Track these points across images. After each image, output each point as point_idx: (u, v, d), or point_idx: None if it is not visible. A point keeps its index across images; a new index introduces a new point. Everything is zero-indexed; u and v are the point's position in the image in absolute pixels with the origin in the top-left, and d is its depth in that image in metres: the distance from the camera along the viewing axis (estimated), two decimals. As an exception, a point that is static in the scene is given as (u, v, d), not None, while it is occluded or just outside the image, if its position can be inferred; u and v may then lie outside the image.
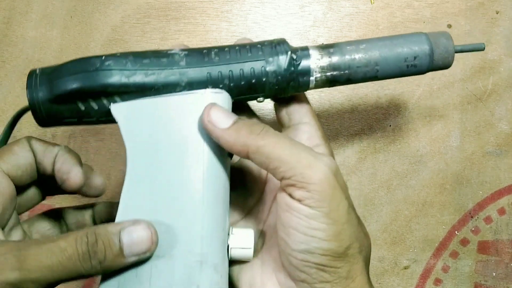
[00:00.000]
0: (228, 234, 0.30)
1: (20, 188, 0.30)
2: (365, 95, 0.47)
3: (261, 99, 0.32)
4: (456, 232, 0.46)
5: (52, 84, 0.29)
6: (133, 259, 0.26)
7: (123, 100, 0.29)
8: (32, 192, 0.32)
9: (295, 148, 0.27)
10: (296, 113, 0.32)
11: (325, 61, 0.31)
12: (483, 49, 0.35)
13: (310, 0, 0.48)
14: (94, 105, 0.30)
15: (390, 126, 0.46)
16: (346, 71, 0.31)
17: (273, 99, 0.34)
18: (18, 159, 0.29)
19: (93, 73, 0.29)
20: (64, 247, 0.24)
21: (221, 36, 0.47)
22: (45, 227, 0.32)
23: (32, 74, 0.30)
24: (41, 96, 0.29)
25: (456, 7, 0.48)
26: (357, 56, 0.31)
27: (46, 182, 0.31)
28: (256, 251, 0.31)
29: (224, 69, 0.30)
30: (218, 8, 0.47)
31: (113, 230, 0.25)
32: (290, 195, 0.27)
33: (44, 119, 0.30)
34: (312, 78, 0.31)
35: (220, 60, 0.30)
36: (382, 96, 0.47)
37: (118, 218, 0.28)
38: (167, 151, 0.29)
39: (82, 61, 0.29)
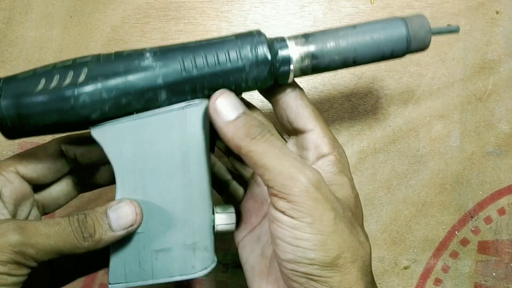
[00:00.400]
0: (214, 217, 0.32)
1: (43, 186, 0.33)
2: (365, 95, 0.47)
3: (239, 96, 0.32)
4: (456, 232, 0.46)
5: (20, 114, 0.27)
6: (122, 232, 0.29)
7: (103, 124, 0.29)
8: (62, 189, 0.34)
9: (281, 158, 0.27)
10: (299, 120, 0.32)
11: (304, 51, 0.30)
12: (457, 31, 0.35)
13: (310, 0, 0.48)
14: (72, 131, 0.30)
15: (390, 126, 0.46)
16: (325, 60, 0.31)
17: (263, 94, 0.33)
18: (36, 162, 0.31)
19: (68, 111, 0.28)
20: (59, 221, 0.27)
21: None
22: None
23: None
24: (7, 112, 0.27)
25: (456, 7, 0.48)
26: (335, 45, 0.31)
27: (80, 177, 0.34)
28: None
29: (203, 81, 0.29)
30: (218, 8, 0.47)
31: (100, 210, 0.29)
32: (274, 206, 0.27)
33: (10, 133, 0.28)
34: (290, 69, 0.30)
35: (198, 72, 0.29)
36: (382, 96, 0.47)
37: None
38: (153, 166, 0.30)
39: (54, 96, 0.27)
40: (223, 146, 0.36)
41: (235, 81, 0.29)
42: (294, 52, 0.30)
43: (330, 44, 0.31)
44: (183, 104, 0.29)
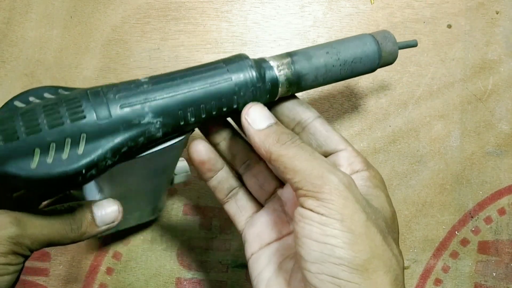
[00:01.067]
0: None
1: None
2: (365, 95, 0.47)
3: None
4: (456, 232, 0.46)
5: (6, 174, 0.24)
6: (104, 228, 0.31)
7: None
8: None
9: (311, 160, 0.27)
10: (329, 142, 0.32)
11: (286, 72, 0.31)
12: (415, 46, 0.38)
13: (310, 0, 0.48)
14: None
15: (390, 126, 0.46)
16: (309, 76, 0.31)
17: None
18: None
19: (75, 185, 0.25)
20: (51, 213, 0.29)
21: (221, 36, 0.47)
22: None
23: None
24: None
25: (456, 7, 0.48)
26: (318, 65, 0.31)
27: None
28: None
29: (197, 121, 0.28)
30: (218, 8, 0.47)
31: (87, 205, 0.31)
32: (302, 205, 0.26)
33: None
34: (279, 89, 0.31)
35: (196, 120, 0.28)
36: (382, 96, 0.47)
37: None
38: (134, 191, 0.35)
39: (59, 177, 0.24)
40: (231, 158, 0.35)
41: (228, 112, 0.29)
42: (280, 73, 0.30)
43: (314, 65, 0.31)
44: (174, 142, 0.29)
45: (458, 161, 0.46)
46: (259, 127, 0.29)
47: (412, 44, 0.37)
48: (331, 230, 0.25)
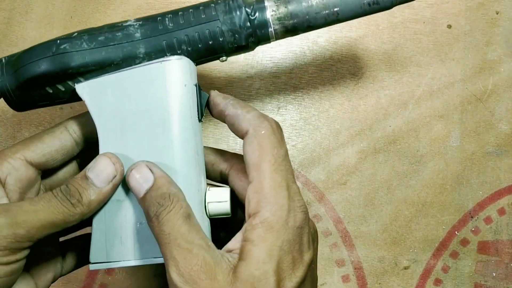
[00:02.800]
0: (205, 193, 0.31)
1: (50, 170, 0.32)
2: (365, 95, 0.47)
3: (224, 58, 0.32)
4: (456, 232, 0.46)
5: (16, 73, 0.30)
6: (108, 186, 0.28)
7: (86, 79, 0.30)
8: (68, 171, 0.33)
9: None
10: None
11: (282, 11, 0.31)
12: None
13: None
14: (61, 87, 0.31)
15: (390, 126, 0.47)
16: (306, 17, 0.31)
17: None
18: (44, 147, 0.30)
19: (51, 58, 0.29)
20: (43, 196, 0.27)
21: (221, 36, 0.47)
22: None
23: None
24: (9, 84, 0.30)
25: (456, 7, 0.48)
26: (314, 2, 0.31)
27: (85, 159, 0.33)
28: None
29: (179, 35, 0.30)
30: (218, 8, 0.47)
31: (79, 175, 0.28)
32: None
33: (17, 104, 0.31)
34: (271, 30, 0.31)
35: (175, 26, 0.30)
36: (382, 96, 0.47)
37: None
38: (135, 123, 0.30)
39: (39, 47, 0.30)
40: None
41: (211, 34, 0.30)
42: (270, 7, 0.31)
43: (310, 3, 0.31)
44: (161, 59, 0.30)
45: (458, 161, 0.46)
46: (140, 194, 0.28)
47: None
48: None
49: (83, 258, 0.34)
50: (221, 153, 0.33)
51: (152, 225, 0.27)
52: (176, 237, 0.26)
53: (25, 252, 0.26)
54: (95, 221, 0.30)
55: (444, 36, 0.48)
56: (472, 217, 0.46)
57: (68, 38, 0.30)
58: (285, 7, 0.31)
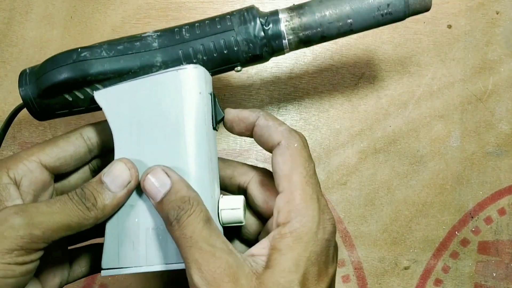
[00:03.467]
0: (218, 201, 0.31)
1: (64, 175, 0.33)
2: (365, 95, 0.47)
3: (238, 68, 0.32)
4: (456, 232, 0.45)
5: (38, 81, 0.31)
6: (123, 192, 0.29)
7: (105, 86, 0.31)
8: (80, 177, 0.34)
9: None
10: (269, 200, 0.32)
11: (295, 22, 0.31)
12: None
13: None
14: (80, 95, 0.32)
15: (390, 126, 0.46)
16: (319, 29, 0.32)
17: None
18: (59, 151, 0.31)
19: (71, 65, 0.31)
20: (59, 198, 0.27)
21: (221, 36, 0.47)
22: None
23: (22, 74, 0.32)
24: (32, 92, 0.31)
25: (456, 7, 0.48)
26: (328, 12, 0.31)
27: (98, 165, 0.35)
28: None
29: (195, 45, 0.31)
30: (218, 8, 0.47)
31: (94, 179, 0.29)
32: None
33: (38, 113, 0.32)
34: (285, 41, 0.32)
35: (191, 36, 0.31)
36: (382, 96, 0.47)
37: None
38: (150, 129, 0.30)
39: (61, 56, 0.31)
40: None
41: (226, 44, 0.31)
42: (284, 19, 0.31)
43: (324, 14, 0.31)
44: (176, 67, 0.30)
45: (458, 161, 0.46)
46: (157, 198, 0.28)
47: None
48: None
49: (89, 267, 0.34)
50: (239, 166, 0.34)
51: (172, 229, 0.27)
52: (197, 240, 0.26)
53: (39, 254, 0.26)
54: (108, 226, 0.30)
55: (444, 36, 0.48)
56: (472, 217, 0.46)
57: (88, 47, 0.31)
58: (299, 18, 0.31)
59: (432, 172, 0.46)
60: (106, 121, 0.31)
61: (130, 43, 0.31)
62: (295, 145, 0.28)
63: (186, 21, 0.47)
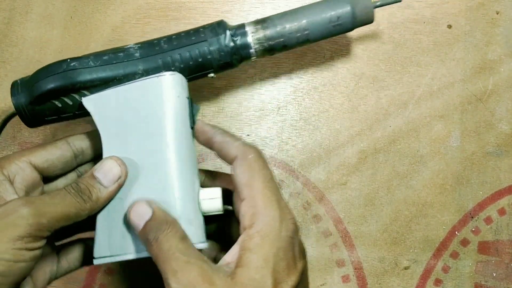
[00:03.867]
0: (198, 192, 0.33)
1: (51, 178, 0.35)
2: (365, 95, 0.47)
3: (212, 75, 0.37)
4: (456, 232, 0.46)
5: (30, 89, 0.34)
6: (114, 186, 0.32)
7: (92, 92, 0.34)
8: (67, 182, 0.37)
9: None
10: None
11: (260, 34, 0.36)
12: (400, 0, 0.40)
13: (311, 1, 0.48)
14: (68, 101, 0.34)
15: (390, 126, 0.46)
16: (281, 39, 0.37)
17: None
18: (47, 154, 0.34)
19: (61, 74, 0.34)
20: (58, 192, 0.30)
21: (221, 36, 0.47)
22: None
23: (14, 85, 0.35)
24: (23, 101, 0.34)
25: (456, 7, 0.48)
26: (288, 26, 0.36)
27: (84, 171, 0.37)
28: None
29: (173, 54, 0.35)
30: (218, 8, 0.47)
31: (87, 174, 0.32)
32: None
33: (30, 120, 0.35)
34: (252, 50, 0.36)
35: (169, 47, 0.35)
36: (382, 97, 0.47)
37: None
38: (135, 130, 0.33)
39: (52, 66, 0.34)
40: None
41: (200, 53, 0.35)
42: (250, 31, 0.36)
43: (284, 26, 0.37)
44: (157, 74, 0.34)
45: (458, 161, 0.46)
46: (139, 226, 0.30)
47: (396, 0, 0.40)
48: None
49: (76, 262, 0.36)
50: (214, 174, 0.37)
51: (151, 248, 0.29)
52: (174, 252, 0.28)
53: (44, 241, 0.29)
54: (99, 218, 0.33)
55: (444, 36, 0.48)
56: (472, 217, 0.46)
57: (77, 58, 0.34)
58: (263, 30, 0.36)
59: (432, 172, 0.46)
60: (92, 131, 0.34)
61: (114, 54, 0.35)
62: (250, 156, 0.31)
63: (186, 21, 0.48)
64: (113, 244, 0.32)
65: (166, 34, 0.46)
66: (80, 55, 0.34)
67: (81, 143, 0.36)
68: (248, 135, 0.46)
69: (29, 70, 0.45)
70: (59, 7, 0.47)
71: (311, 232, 0.45)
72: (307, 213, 0.45)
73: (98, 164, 0.32)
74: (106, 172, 0.32)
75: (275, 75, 0.47)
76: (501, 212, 0.46)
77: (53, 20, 0.47)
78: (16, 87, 0.35)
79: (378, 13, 0.48)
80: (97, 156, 0.36)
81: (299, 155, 0.46)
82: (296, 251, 0.30)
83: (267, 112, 0.46)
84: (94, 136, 0.35)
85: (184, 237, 0.29)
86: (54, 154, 0.34)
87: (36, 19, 0.47)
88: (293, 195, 0.45)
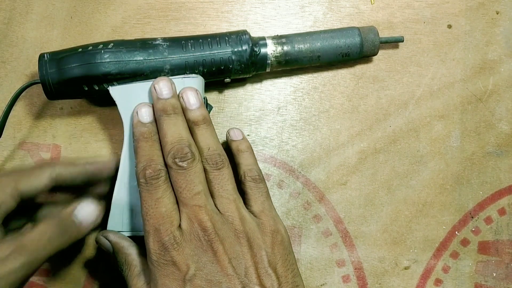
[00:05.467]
0: None
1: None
2: (365, 95, 0.47)
3: (228, 79, 0.42)
4: (456, 232, 0.46)
5: (61, 70, 0.37)
6: (91, 226, 0.36)
7: (119, 83, 0.39)
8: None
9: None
10: None
11: (279, 50, 0.41)
12: (402, 41, 0.45)
13: (311, 1, 0.48)
14: (96, 87, 0.38)
15: (390, 126, 0.46)
16: (295, 57, 0.42)
17: None
18: (30, 184, 0.35)
19: (95, 65, 0.37)
20: (44, 230, 0.33)
21: (221, 36, 0.47)
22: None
23: (42, 58, 0.38)
24: (51, 78, 0.38)
25: (456, 7, 0.48)
26: (303, 46, 0.42)
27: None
28: None
29: (199, 58, 0.39)
30: (218, 8, 0.47)
31: (67, 213, 0.35)
32: None
33: (53, 94, 0.38)
34: (268, 62, 0.41)
35: (196, 51, 0.39)
36: (382, 96, 0.47)
37: (118, 180, 0.38)
38: None
39: (87, 54, 0.38)
40: None
41: (223, 61, 0.39)
42: (271, 46, 0.41)
43: (301, 46, 0.42)
44: (182, 75, 0.39)
45: (458, 161, 0.46)
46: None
47: (399, 40, 0.45)
48: None
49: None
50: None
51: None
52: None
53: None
54: (115, 198, 0.38)
55: (444, 36, 0.48)
56: (472, 217, 0.46)
57: (111, 50, 0.38)
58: (281, 47, 0.41)
59: (432, 172, 0.46)
60: (75, 159, 0.39)
61: (144, 50, 0.38)
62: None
63: (186, 21, 0.48)
64: (125, 222, 0.38)
65: (166, 34, 0.47)
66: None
67: (64, 171, 0.37)
68: (248, 135, 0.46)
69: (29, 70, 0.46)
70: (59, 7, 0.47)
71: (311, 232, 0.45)
72: (307, 213, 0.45)
73: (78, 205, 0.35)
74: (85, 215, 0.35)
75: (275, 75, 0.47)
76: (501, 212, 0.46)
77: (53, 20, 0.47)
78: (44, 62, 0.38)
79: (378, 13, 0.48)
80: (75, 187, 0.38)
81: (299, 155, 0.46)
82: None
83: (267, 112, 0.46)
84: (77, 166, 0.37)
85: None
86: (38, 185, 0.35)
87: (36, 19, 0.47)
88: (293, 195, 0.45)
